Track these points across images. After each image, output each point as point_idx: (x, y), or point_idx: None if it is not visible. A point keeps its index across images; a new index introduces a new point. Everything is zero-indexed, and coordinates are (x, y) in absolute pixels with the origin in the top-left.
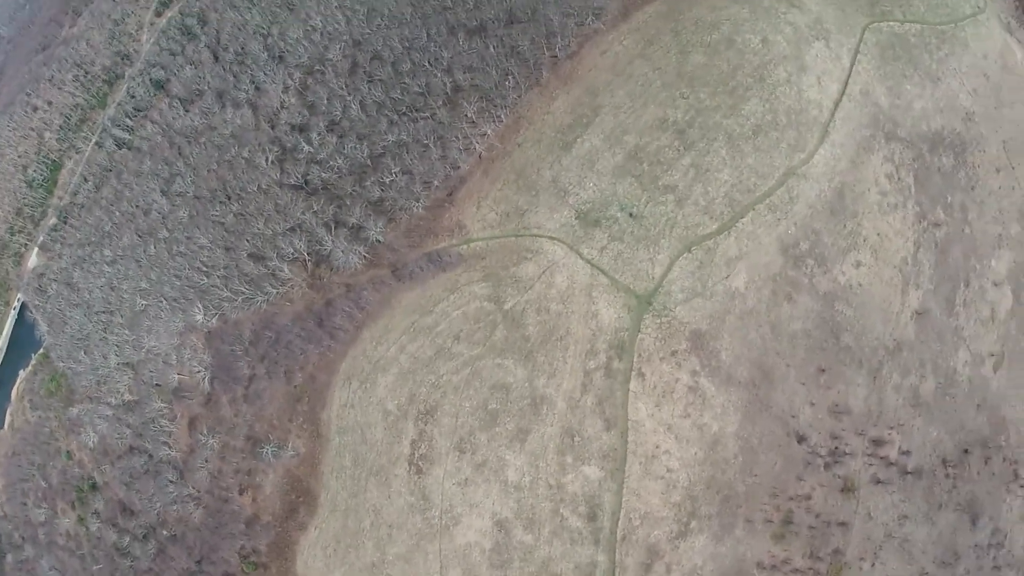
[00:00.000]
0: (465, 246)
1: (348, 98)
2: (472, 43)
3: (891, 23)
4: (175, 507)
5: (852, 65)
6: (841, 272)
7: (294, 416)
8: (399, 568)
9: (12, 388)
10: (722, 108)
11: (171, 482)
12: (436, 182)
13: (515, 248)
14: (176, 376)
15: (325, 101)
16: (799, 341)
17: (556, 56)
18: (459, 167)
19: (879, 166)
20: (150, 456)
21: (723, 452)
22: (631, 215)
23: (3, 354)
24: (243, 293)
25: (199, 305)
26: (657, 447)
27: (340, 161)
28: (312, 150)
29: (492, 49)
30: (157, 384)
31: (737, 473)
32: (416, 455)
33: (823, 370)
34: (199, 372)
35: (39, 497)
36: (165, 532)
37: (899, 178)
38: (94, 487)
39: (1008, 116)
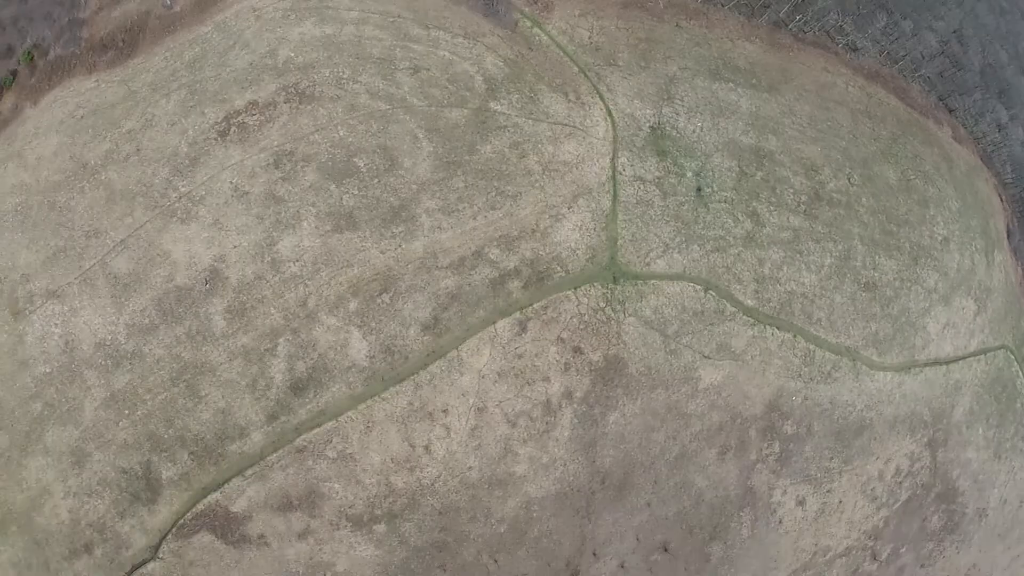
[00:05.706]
0: (529, 21)
1: None
2: None
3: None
4: None
5: (971, 350)
6: (782, 497)
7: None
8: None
9: None
10: (864, 224)
11: None
12: None
13: (566, 75)
14: None
15: None
16: (704, 501)
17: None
18: None
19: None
20: None
21: (501, 493)
22: (699, 191)
23: None
24: None
25: None
26: (445, 410)
27: None
28: None
29: None
30: None
31: (480, 519)
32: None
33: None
34: None
35: None
36: None
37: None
38: None
39: None
